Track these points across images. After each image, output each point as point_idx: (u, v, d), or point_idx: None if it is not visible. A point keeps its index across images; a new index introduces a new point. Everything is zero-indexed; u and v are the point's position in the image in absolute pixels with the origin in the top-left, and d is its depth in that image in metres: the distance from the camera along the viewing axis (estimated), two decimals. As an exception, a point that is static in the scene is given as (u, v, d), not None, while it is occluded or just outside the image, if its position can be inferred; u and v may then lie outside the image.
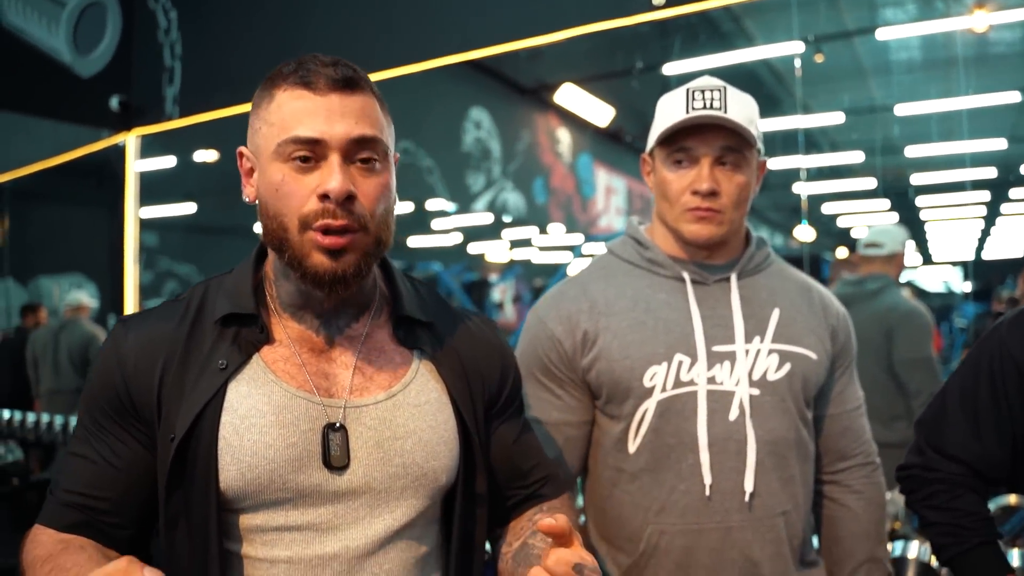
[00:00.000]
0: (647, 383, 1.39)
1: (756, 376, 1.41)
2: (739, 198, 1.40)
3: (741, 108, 1.38)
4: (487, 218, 12.37)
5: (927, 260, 17.03)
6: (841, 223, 17.96)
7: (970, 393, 1.37)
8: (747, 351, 1.42)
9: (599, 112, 10.67)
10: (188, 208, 10.95)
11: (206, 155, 7.72)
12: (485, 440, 1.14)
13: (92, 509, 1.02)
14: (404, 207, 12.02)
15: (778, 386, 1.42)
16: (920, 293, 10.09)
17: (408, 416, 1.07)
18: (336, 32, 3.83)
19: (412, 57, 3.68)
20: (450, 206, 10.79)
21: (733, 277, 1.47)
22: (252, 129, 1.05)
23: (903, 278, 3.49)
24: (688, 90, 1.39)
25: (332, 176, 0.97)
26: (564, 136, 11.88)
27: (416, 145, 8.76)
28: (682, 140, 1.39)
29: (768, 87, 10.10)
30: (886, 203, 14.55)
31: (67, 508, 1.02)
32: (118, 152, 4.17)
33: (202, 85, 4.01)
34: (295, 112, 0.99)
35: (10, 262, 10.21)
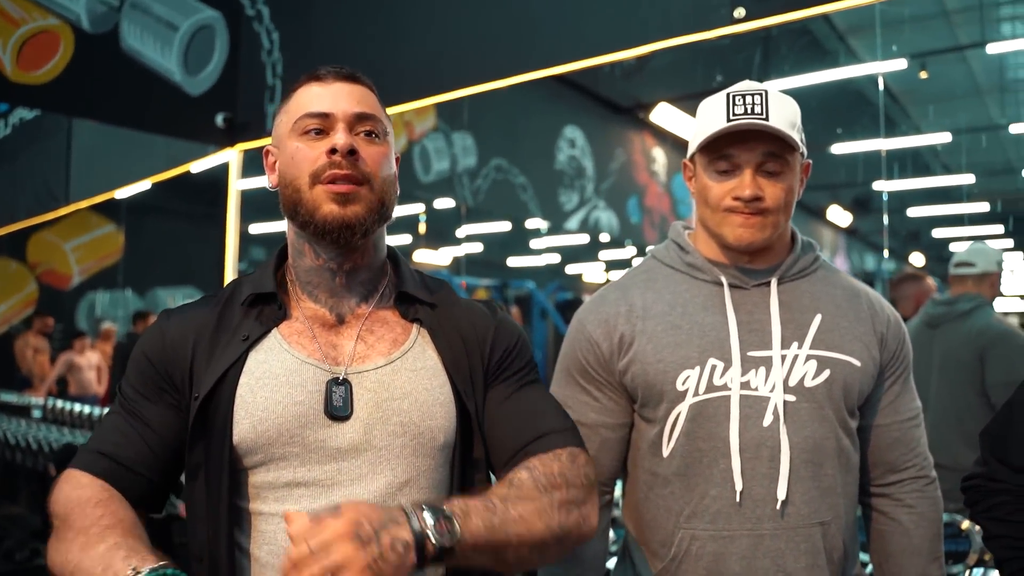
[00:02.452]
0: (680, 387, 1.38)
1: (792, 382, 1.38)
2: (784, 202, 1.39)
3: (783, 112, 1.36)
4: (583, 238, 12.39)
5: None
6: (953, 248, 17.25)
7: None
8: (784, 357, 1.39)
9: (695, 131, 10.55)
10: (293, 224, 11.33)
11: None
12: (482, 408, 1.21)
13: (122, 460, 1.15)
14: (502, 226, 12.15)
15: (816, 392, 1.39)
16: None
17: (406, 379, 1.18)
18: (430, 49, 3.93)
19: (501, 72, 3.73)
20: (544, 224, 10.87)
21: (773, 282, 1.44)
22: (275, 126, 1.23)
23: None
24: (728, 95, 1.38)
25: (338, 135, 1.15)
26: (659, 155, 11.81)
27: (510, 163, 8.87)
28: (724, 147, 1.38)
29: (875, 106, 9.82)
30: (1000, 228, 13.90)
31: (101, 457, 1.15)
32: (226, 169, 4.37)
33: (301, 103, 4.17)
34: (308, 97, 1.19)
35: (129, 273, 10.80)
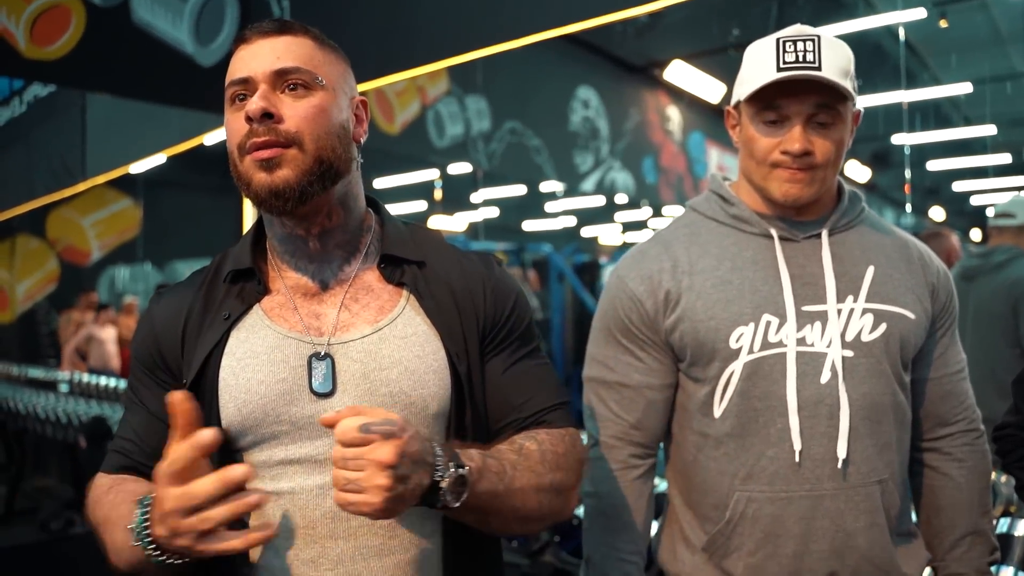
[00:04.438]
0: (733, 344, 1.34)
1: (849, 337, 1.35)
2: (833, 156, 1.33)
3: (836, 59, 1.30)
4: (599, 200, 12.31)
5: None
6: (975, 202, 17.02)
7: None
8: (839, 311, 1.36)
9: (710, 88, 10.44)
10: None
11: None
12: (480, 374, 1.16)
13: (132, 454, 1.16)
14: (516, 190, 12.08)
15: (873, 347, 1.35)
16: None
17: (394, 348, 1.12)
18: (441, 12, 3.89)
19: (513, 33, 3.69)
20: (560, 187, 10.81)
21: (824, 234, 1.40)
22: None
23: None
24: (778, 40, 1.31)
25: (251, 101, 1.07)
26: (674, 114, 11.66)
27: (524, 125, 8.79)
28: (772, 97, 1.32)
29: (894, 57, 9.65)
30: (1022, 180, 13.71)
31: (116, 454, 1.17)
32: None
33: (313, 70, 4.14)
34: (234, 63, 1.12)
35: (147, 247, 10.85)
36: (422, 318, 1.15)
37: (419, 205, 12.31)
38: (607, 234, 16.91)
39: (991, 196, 14.91)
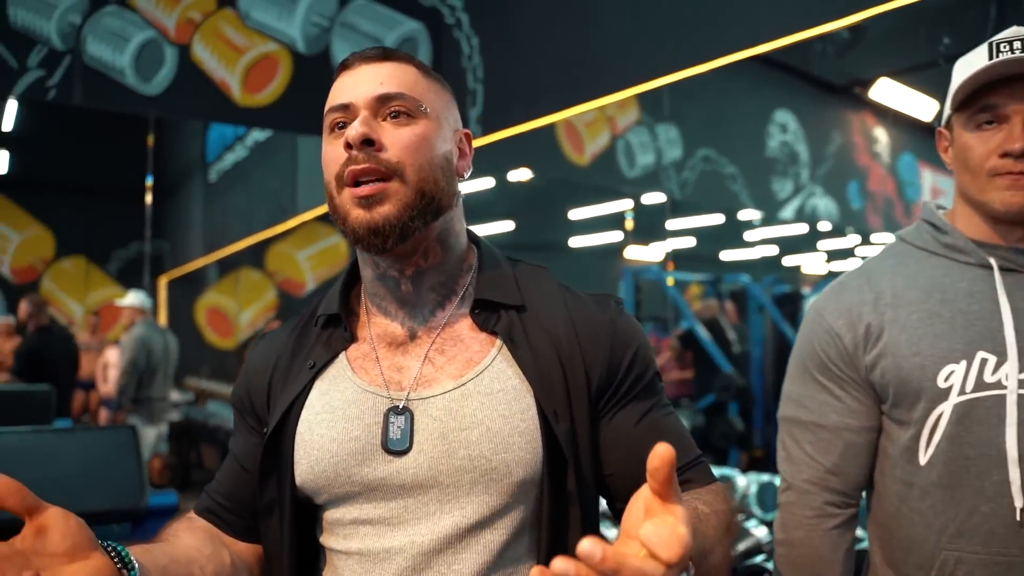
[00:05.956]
0: (942, 383, 1.21)
1: None
2: None
3: None
4: (801, 228, 11.78)
5: None
6: None
7: None
8: None
9: (921, 106, 9.73)
10: (507, 226, 11.64)
11: (520, 174, 8.09)
12: (589, 431, 1.03)
13: (215, 495, 1.14)
14: (714, 219, 11.80)
15: None
16: None
17: (477, 405, 1.01)
18: (625, 39, 3.87)
19: (702, 56, 3.63)
20: (758, 215, 10.42)
21: None
22: None
23: None
24: (991, 43, 1.20)
25: (351, 127, 1.00)
26: (882, 135, 10.96)
27: (718, 152, 8.56)
28: (986, 97, 1.20)
29: None
30: None
31: (204, 495, 1.15)
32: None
33: (501, 104, 4.25)
34: (335, 90, 1.05)
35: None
36: (514, 371, 1.03)
37: (613, 236, 12.28)
38: (810, 263, 16.16)
39: None
